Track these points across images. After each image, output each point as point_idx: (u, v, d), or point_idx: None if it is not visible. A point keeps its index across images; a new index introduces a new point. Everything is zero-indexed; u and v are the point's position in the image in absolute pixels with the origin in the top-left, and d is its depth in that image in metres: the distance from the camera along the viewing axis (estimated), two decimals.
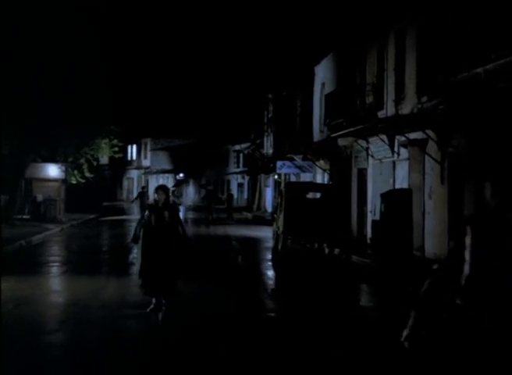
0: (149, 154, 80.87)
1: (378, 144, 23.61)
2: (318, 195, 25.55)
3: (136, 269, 11.93)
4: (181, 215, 42.45)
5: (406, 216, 19.24)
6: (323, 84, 32.95)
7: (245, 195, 64.06)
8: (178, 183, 70.50)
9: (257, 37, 44.48)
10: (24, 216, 33.37)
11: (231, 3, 51.01)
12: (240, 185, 67.27)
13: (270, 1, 42.54)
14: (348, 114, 26.05)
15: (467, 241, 3.97)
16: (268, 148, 50.40)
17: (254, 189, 55.45)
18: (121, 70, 40.26)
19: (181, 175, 76.12)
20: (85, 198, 40.90)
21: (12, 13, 25.58)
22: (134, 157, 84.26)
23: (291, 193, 23.02)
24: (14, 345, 8.88)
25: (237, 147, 65.33)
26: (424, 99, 19.76)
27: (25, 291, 13.33)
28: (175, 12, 73.09)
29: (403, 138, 21.23)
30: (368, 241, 23.36)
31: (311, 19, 34.71)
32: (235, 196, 53.79)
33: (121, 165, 76.22)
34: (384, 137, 22.48)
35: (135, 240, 11.45)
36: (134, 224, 13.54)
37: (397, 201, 19.39)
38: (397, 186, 22.12)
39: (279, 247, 22.46)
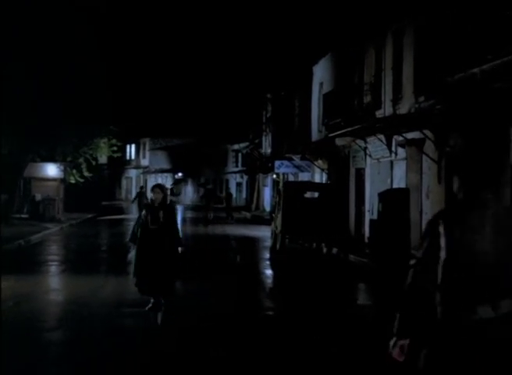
0: (148, 153, 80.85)
1: (375, 144, 23.69)
2: (316, 195, 25.61)
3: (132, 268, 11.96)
4: (179, 214, 42.10)
5: (403, 215, 19.27)
6: (321, 84, 33.01)
7: (243, 195, 64.07)
8: (177, 182, 70.43)
9: (255, 37, 44.53)
10: (23, 216, 33.43)
11: (230, 3, 51.09)
12: (239, 185, 67.26)
13: (269, 1, 42.59)
14: (346, 114, 26.09)
15: (441, 230, 3.99)
16: (267, 148, 50.42)
17: (253, 188, 55.45)
18: (120, 70, 40.32)
19: (180, 174, 76.08)
20: (84, 198, 40.93)
21: (12, 13, 25.62)
22: (133, 156, 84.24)
23: (289, 192, 23.08)
24: (14, 342, 8.96)
25: (236, 146, 65.30)
26: (422, 99, 19.83)
27: (24, 289, 13.40)
28: (174, 12, 73.13)
29: (400, 138, 21.29)
30: (366, 241, 23.42)
31: (309, 19, 34.73)
32: (233, 195, 53.75)
33: (120, 164, 76.12)
34: (382, 136, 22.55)
35: (133, 239, 11.44)
36: (132, 223, 13.58)
37: (395, 201, 19.43)
38: (395, 185, 22.19)
39: (277, 246, 22.52)
